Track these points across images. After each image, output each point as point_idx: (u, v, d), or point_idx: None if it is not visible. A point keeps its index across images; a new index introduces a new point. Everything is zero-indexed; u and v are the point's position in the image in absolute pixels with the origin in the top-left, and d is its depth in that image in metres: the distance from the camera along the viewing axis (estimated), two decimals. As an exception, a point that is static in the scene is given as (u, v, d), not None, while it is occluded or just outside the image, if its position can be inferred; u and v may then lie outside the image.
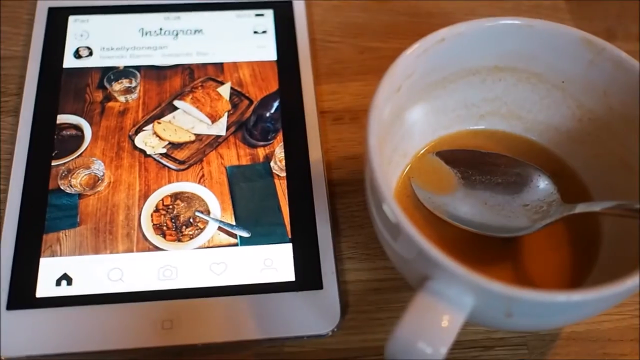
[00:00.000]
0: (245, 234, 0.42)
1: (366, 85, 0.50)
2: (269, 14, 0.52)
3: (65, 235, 0.41)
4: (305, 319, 0.40)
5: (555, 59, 0.42)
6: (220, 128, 0.46)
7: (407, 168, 0.43)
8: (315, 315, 0.40)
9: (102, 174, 0.43)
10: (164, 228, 0.42)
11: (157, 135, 0.45)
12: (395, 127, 0.41)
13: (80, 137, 0.45)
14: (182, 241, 0.42)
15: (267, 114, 0.47)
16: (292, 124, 0.46)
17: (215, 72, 0.48)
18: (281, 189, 0.44)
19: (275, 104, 0.47)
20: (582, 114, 0.43)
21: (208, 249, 0.42)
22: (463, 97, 0.44)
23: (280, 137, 0.46)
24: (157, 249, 0.41)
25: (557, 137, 0.45)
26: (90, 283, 0.40)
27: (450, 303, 0.33)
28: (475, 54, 0.42)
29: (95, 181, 0.43)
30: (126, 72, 0.48)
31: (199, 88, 0.47)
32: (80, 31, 0.49)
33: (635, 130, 0.41)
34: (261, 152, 0.45)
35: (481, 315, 0.34)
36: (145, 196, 0.43)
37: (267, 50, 0.50)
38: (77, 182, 0.43)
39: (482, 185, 0.42)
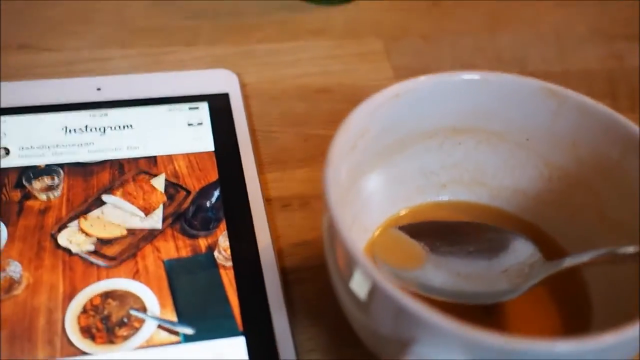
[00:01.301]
0: (189, 331, 0.34)
1: (313, 171, 0.44)
2: (203, 106, 0.45)
3: (-27, 346, 0.32)
4: (266, 423, 0.31)
5: (516, 113, 0.37)
6: (155, 220, 0.39)
7: (368, 244, 0.36)
8: (278, 417, 0.31)
9: (18, 275, 0.35)
10: (93, 330, 0.33)
11: (84, 232, 0.37)
12: (353, 194, 0.35)
13: (-6, 239, 0.37)
14: (114, 343, 0.33)
15: (208, 204, 0.40)
16: (235, 212, 0.39)
17: (147, 165, 0.41)
18: (228, 279, 0.36)
19: (216, 193, 0.40)
20: (551, 172, 0.37)
21: (146, 349, 0.33)
22: (421, 164, 0.38)
23: (223, 225, 0.39)
24: (84, 353, 0.33)
25: (526, 202, 0.38)
26: (2, 401, 0.31)
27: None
28: (431, 112, 0.36)
29: (10, 284, 0.35)
30: (48, 170, 0.40)
31: (130, 181, 0.40)
32: (-3, 132, 0.42)
33: (609, 179, 0.35)
34: (203, 243, 0.38)
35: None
36: (70, 297, 0.35)
37: (203, 141, 0.43)
38: (-12, 286, 0.35)
39: (452, 255, 0.35)
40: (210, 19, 0.55)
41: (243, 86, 0.48)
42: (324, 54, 0.53)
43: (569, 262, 0.33)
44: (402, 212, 0.38)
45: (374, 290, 0.27)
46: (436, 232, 0.36)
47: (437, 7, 0.59)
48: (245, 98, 0.47)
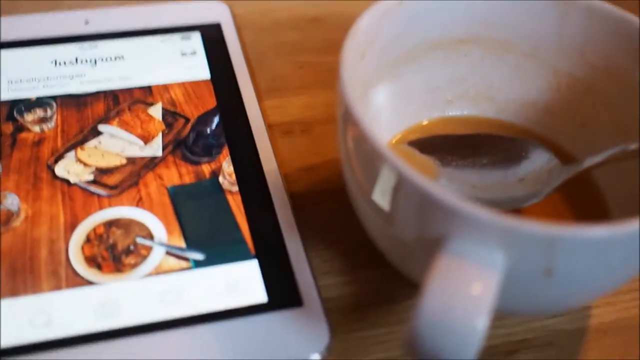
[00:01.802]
0: (199, 256, 0.32)
1: (311, 97, 0.41)
2: (195, 36, 0.43)
3: (-27, 280, 0.30)
4: (287, 343, 0.29)
5: (523, 20, 0.34)
6: (155, 149, 0.36)
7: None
8: (298, 337, 0.29)
9: (16, 208, 0.32)
10: (99, 260, 0.31)
11: (82, 162, 0.35)
12: (362, 108, 0.32)
13: (-12, 172, 0.34)
14: (122, 272, 0.31)
15: (208, 130, 0.37)
16: (238, 138, 0.37)
17: (143, 94, 0.39)
18: (235, 204, 0.34)
19: (215, 120, 0.38)
20: (559, 81, 0.35)
21: (155, 276, 0.31)
22: (427, 79, 0.36)
23: (225, 151, 0.36)
24: (91, 283, 0.30)
25: (536, 114, 0.36)
26: (8, 332, 0.28)
27: (479, 263, 0.24)
28: (436, 21, 0.34)
29: (8, 217, 0.32)
30: (39, 102, 0.37)
31: (126, 111, 0.37)
32: (-16, 67, 0.39)
33: (621, 84, 0.33)
34: (206, 168, 0.35)
35: (515, 279, 0.24)
36: (72, 227, 0.32)
37: (198, 70, 0.40)
38: (-15, 219, 0.32)
39: (466, 168, 0.33)
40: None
41: (234, 17, 0.45)
42: (313, -16, 0.50)
43: (588, 162, 0.31)
44: (410, 128, 0.36)
45: (401, 187, 0.25)
46: (447, 146, 0.34)
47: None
48: (238, 29, 0.44)
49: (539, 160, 0.33)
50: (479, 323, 0.23)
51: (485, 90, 0.36)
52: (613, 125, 0.34)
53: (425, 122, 0.36)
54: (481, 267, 0.24)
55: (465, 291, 0.23)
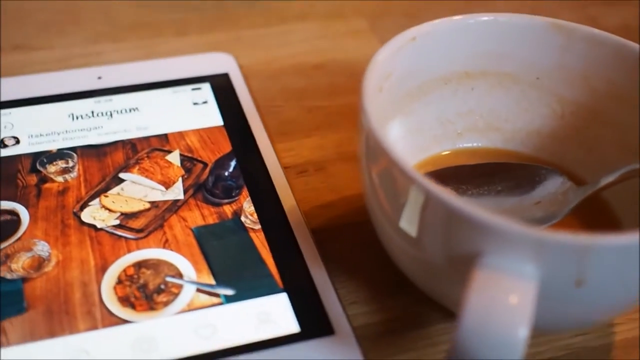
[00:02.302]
0: (229, 292, 0.32)
1: (322, 138, 0.43)
2: (205, 86, 0.44)
3: (11, 324, 0.30)
4: (322, 370, 0.30)
5: (526, 52, 0.36)
6: (177, 193, 0.37)
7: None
8: (333, 364, 0.30)
9: (47, 254, 0.33)
10: (132, 299, 0.32)
11: (106, 208, 0.36)
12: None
13: (16, 221, 0.35)
14: (155, 309, 0.31)
15: (226, 173, 0.38)
16: (255, 179, 0.38)
17: (160, 143, 0.40)
18: (259, 240, 0.35)
19: (232, 163, 0.39)
20: (564, 108, 0.37)
21: (188, 312, 0.31)
22: (438, 112, 0.37)
23: (245, 192, 0.37)
24: (127, 322, 0.31)
25: (542, 142, 0.38)
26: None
27: (515, 275, 0.25)
28: (446, 56, 0.36)
29: (40, 262, 0.33)
30: (60, 154, 0.39)
31: (145, 159, 0.39)
32: (4, 123, 0.40)
33: (624, 106, 0.35)
34: (228, 209, 0.36)
35: (548, 291, 0.25)
36: (102, 270, 0.33)
37: (211, 117, 0.42)
38: (18, 266, 0.33)
39: (481, 197, 0.35)
40: (197, 12, 0.53)
41: (240, 67, 0.47)
42: (313, 35, 0.52)
43: (603, 182, 0.32)
44: (422, 162, 0.37)
45: (430, 207, 0.26)
46: (461, 176, 0.36)
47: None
48: (245, 77, 0.46)
49: (552, 184, 0.34)
50: (521, 332, 0.24)
51: (492, 121, 0.38)
52: (619, 147, 0.35)
53: (436, 156, 0.38)
54: (518, 278, 0.25)
55: (504, 302, 0.24)
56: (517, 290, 0.24)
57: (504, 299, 0.24)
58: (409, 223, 0.28)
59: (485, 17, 0.35)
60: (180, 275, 0.33)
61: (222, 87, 0.44)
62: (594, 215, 0.34)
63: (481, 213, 0.25)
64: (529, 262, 0.25)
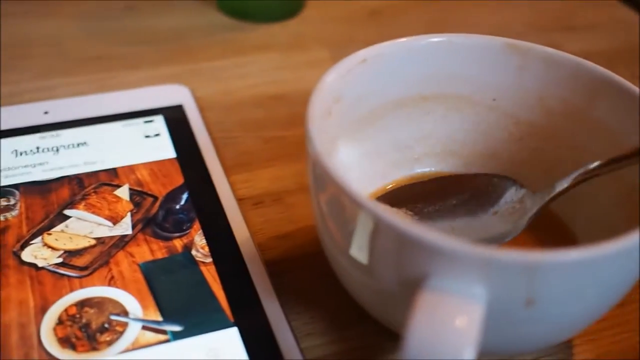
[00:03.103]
0: (177, 328, 0.31)
1: (279, 169, 0.42)
2: (158, 119, 0.43)
3: (-58, 370, 0.29)
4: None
5: (482, 73, 0.36)
6: (124, 228, 0.36)
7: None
8: (285, 400, 0.29)
9: (-16, 295, 0.32)
10: (73, 340, 0.31)
11: (49, 246, 0.35)
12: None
13: (-48, 262, 0.34)
14: (98, 349, 0.30)
15: (177, 206, 0.37)
16: (208, 211, 0.37)
17: (108, 177, 0.39)
18: (210, 274, 0.34)
19: (184, 196, 0.38)
20: (521, 131, 0.36)
21: (133, 351, 0.30)
22: (393, 137, 0.37)
23: (197, 225, 0.36)
24: (67, 364, 0.30)
25: (502, 165, 0.37)
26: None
27: (461, 297, 0.24)
28: (399, 78, 0.35)
29: (-25, 304, 0.32)
30: (0, 192, 0.37)
31: (92, 194, 0.38)
32: (-59, 163, 0.39)
33: (583, 124, 0.34)
34: (178, 243, 0.35)
35: (497, 312, 0.25)
36: (42, 310, 0.32)
37: (163, 150, 0.41)
38: (-48, 308, 0.31)
39: (439, 213, 0.34)
40: (151, 44, 0.53)
41: (196, 99, 0.46)
42: (273, 66, 0.52)
43: (559, 186, 0.32)
44: (380, 189, 0.37)
45: (378, 231, 0.25)
46: (414, 195, 0.35)
47: (377, 16, 0.59)
48: (201, 109, 0.45)
49: (505, 191, 0.34)
50: (467, 355, 0.23)
51: (450, 145, 0.38)
52: (575, 168, 0.35)
53: (393, 182, 0.37)
54: (464, 300, 0.24)
55: (449, 325, 0.24)
56: (462, 312, 0.24)
57: (449, 321, 0.24)
58: (359, 250, 0.27)
59: (437, 38, 0.35)
60: (125, 313, 0.32)
61: (175, 119, 0.44)
62: (549, 232, 0.34)
63: (427, 234, 0.24)
64: (475, 282, 0.24)
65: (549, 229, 0.34)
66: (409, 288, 0.25)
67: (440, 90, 0.36)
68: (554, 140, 0.36)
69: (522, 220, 0.32)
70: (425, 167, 0.38)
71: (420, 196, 0.34)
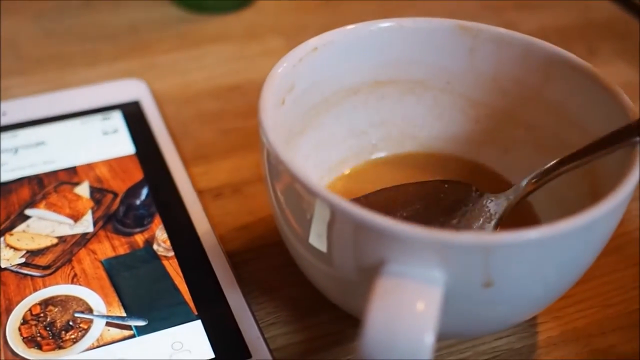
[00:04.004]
0: (141, 323, 0.32)
1: (238, 160, 0.43)
2: (116, 115, 0.44)
3: None
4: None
5: (434, 57, 0.36)
6: (86, 226, 0.37)
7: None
8: (251, 388, 0.30)
9: (-54, 299, 0.33)
10: (38, 339, 0.31)
11: (11, 247, 0.35)
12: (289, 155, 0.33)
13: None
14: (63, 347, 0.31)
15: (137, 202, 0.38)
16: (168, 205, 0.38)
17: (68, 176, 0.40)
18: (172, 268, 0.35)
19: (144, 192, 0.39)
20: (477, 112, 0.37)
21: (99, 348, 0.31)
22: (350, 124, 0.37)
23: (157, 220, 0.37)
24: (34, 363, 0.30)
25: (460, 147, 0.38)
26: None
27: (419, 281, 0.25)
28: (351, 65, 0.36)
29: (-62, 309, 0.32)
30: (-40, 195, 0.38)
31: (52, 193, 0.38)
32: None
33: (538, 104, 0.35)
34: (139, 238, 0.36)
35: (456, 295, 0.25)
36: (7, 311, 0.32)
37: (122, 146, 0.42)
38: None
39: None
40: (108, 40, 0.53)
41: (153, 94, 0.47)
42: (228, 56, 0.52)
43: (523, 182, 0.32)
44: (339, 178, 0.37)
45: (335, 219, 0.26)
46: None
47: (331, 3, 0.59)
48: (158, 104, 0.46)
49: (457, 196, 0.34)
50: (427, 338, 0.24)
51: (407, 129, 0.38)
52: (534, 147, 0.36)
53: (352, 169, 0.38)
54: (422, 284, 0.25)
55: (408, 309, 0.24)
56: (421, 296, 0.25)
57: (407, 305, 0.24)
58: (317, 238, 0.28)
59: (387, 23, 0.36)
60: (89, 310, 0.33)
61: (133, 114, 0.44)
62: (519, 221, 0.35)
63: (382, 221, 0.25)
64: (432, 266, 0.25)
65: (519, 219, 0.34)
66: (368, 274, 0.26)
67: (394, 75, 0.37)
68: (511, 120, 0.37)
69: (489, 224, 0.33)
70: (383, 152, 0.39)
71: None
